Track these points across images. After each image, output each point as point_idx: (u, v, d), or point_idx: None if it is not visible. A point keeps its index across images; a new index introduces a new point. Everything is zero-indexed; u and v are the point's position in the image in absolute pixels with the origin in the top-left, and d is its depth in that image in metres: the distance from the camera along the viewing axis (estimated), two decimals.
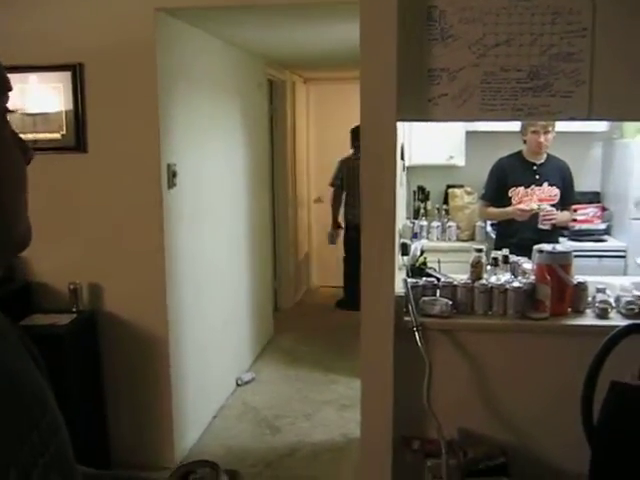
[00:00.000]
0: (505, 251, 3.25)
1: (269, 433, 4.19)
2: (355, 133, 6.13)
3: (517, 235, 3.97)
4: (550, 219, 4.06)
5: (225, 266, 4.64)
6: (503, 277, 3.09)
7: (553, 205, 4.12)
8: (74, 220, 3.56)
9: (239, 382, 4.88)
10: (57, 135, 3.44)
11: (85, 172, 3.50)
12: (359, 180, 6.07)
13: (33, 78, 3.40)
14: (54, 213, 3.52)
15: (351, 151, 6.26)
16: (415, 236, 4.80)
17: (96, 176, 3.50)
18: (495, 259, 3.17)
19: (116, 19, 3.35)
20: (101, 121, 3.45)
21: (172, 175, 3.56)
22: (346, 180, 6.34)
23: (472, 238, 5.10)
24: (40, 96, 3.41)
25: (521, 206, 4.06)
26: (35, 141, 3.43)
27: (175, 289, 3.68)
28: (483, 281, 3.02)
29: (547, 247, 3.08)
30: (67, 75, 3.41)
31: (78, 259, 3.57)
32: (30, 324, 3.34)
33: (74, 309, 3.47)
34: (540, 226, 4.05)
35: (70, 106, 3.42)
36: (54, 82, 3.42)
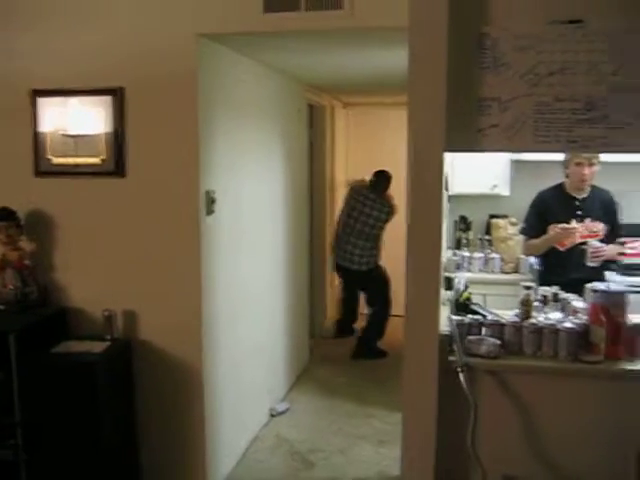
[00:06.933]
0: (555, 288, 3.10)
1: (303, 468, 4.05)
2: (379, 178, 6.02)
3: (565, 274, 3.71)
4: (599, 256, 3.88)
5: (262, 294, 4.55)
6: (553, 316, 2.94)
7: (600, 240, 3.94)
8: (110, 245, 3.50)
9: (273, 413, 4.76)
10: (97, 160, 3.40)
11: (123, 197, 3.45)
12: (357, 214, 5.88)
13: (74, 101, 3.37)
14: (91, 238, 3.50)
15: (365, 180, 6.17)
16: (457, 267, 4.66)
17: (134, 201, 3.45)
18: (545, 296, 3.03)
19: (158, 44, 3.32)
20: (140, 146, 3.41)
21: (210, 202, 3.50)
22: (347, 209, 6.10)
23: (516, 270, 4.93)
24: (81, 120, 3.37)
25: (561, 225, 3.86)
26: (76, 165, 3.41)
27: (211, 317, 3.59)
28: (533, 320, 2.88)
29: (601, 286, 2.92)
30: (108, 99, 3.37)
31: (114, 285, 3.51)
32: (64, 351, 3.29)
33: (108, 337, 3.40)
34: (589, 263, 3.87)
35: (110, 130, 3.38)
36: (95, 106, 3.38)
